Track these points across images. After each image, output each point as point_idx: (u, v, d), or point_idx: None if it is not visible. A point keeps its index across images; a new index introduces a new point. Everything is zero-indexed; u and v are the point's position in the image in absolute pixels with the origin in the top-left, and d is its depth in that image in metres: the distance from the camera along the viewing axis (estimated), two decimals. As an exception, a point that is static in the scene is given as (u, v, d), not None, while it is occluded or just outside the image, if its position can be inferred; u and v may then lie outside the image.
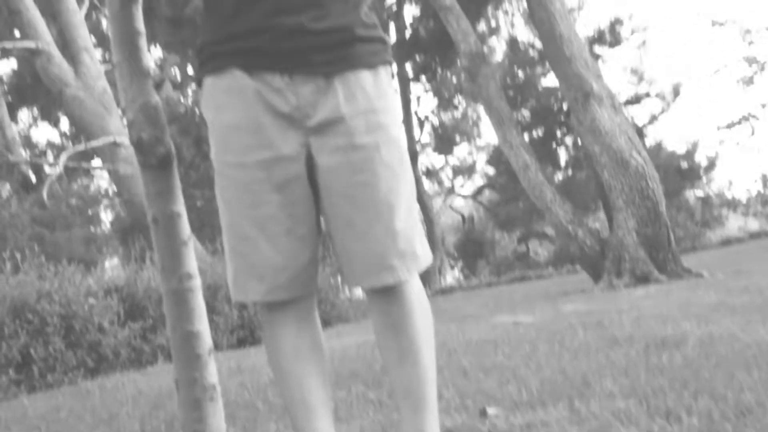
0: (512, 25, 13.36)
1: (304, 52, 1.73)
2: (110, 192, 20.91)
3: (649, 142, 16.64)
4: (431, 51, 12.66)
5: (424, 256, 1.80)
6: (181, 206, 1.77)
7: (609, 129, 8.73)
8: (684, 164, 20.79)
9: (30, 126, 15.02)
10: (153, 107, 1.71)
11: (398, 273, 1.74)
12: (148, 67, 1.71)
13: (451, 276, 27.15)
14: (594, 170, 9.47)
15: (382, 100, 1.79)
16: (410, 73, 21.52)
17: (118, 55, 1.71)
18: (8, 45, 10.82)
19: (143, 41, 1.73)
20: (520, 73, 12.72)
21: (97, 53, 13.00)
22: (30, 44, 10.58)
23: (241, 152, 1.73)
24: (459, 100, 17.90)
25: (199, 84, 1.85)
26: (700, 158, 22.88)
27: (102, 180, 20.79)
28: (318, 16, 1.74)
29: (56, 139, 15.19)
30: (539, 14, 7.98)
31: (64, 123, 14.27)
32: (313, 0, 1.75)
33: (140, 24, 1.71)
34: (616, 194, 8.90)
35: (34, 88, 12.86)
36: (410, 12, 13.21)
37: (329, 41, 1.75)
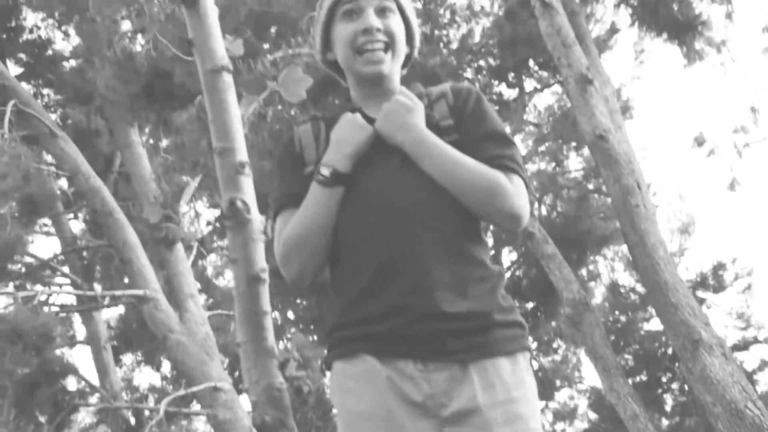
0: (612, 269, 13.27)
1: (440, 337, 1.69)
2: (207, 435, 20.80)
3: (761, 388, 15.95)
4: (534, 298, 12.59)
5: None
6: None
7: (721, 378, 8.38)
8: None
9: (133, 369, 15.21)
10: (277, 389, 1.67)
11: None
12: (273, 347, 1.70)
13: None
14: (707, 420, 9.03)
15: (520, 389, 1.72)
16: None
17: (242, 335, 1.70)
18: (118, 293, 11.20)
19: (269, 320, 1.73)
20: (622, 318, 12.49)
21: (201, 298, 13.36)
22: (139, 292, 10.92)
23: None
24: (559, 343, 17.57)
25: (329, 368, 1.82)
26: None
27: (199, 422, 20.71)
28: (452, 299, 1.71)
29: (157, 382, 15.30)
30: (643, 262, 7.91)
31: (166, 366, 14.42)
32: (448, 281, 1.72)
33: (266, 303, 1.71)
34: (732, 447, 8.41)
35: (139, 334, 13.14)
36: (507, 257, 13.36)
37: (466, 327, 1.70)
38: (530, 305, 13.09)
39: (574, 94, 7.89)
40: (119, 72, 8.38)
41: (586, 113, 7.82)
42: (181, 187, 9.23)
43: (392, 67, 2.10)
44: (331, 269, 1.93)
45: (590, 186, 11.81)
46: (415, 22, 2.20)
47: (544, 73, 13.10)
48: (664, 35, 8.20)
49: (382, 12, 2.09)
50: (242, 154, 1.79)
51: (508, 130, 2.10)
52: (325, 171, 1.92)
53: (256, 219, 1.77)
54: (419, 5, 12.95)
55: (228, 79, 1.85)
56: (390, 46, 2.09)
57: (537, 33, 8.40)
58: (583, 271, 12.72)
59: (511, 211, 1.85)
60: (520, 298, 13.08)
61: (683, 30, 8.06)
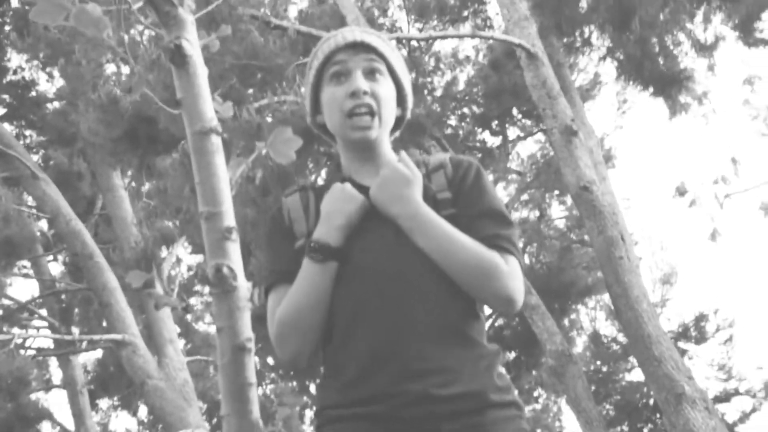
0: (594, 319, 13.25)
1: (435, 420, 1.65)
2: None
3: (742, 440, 15.96)
4: (516, 347, 12.55)
5: None
6: None
7: (704, 432, 8.33)
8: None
9: (109, 415, 15.03)
10: (261, 465, 1.62)
11: None
12: (257, 420, 1.65)
13: None
14: (689, 474, 8.95)
15: None
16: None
17: (226, 408, 1.65)
18: (96, 338, 11.08)
19: (254, 392, 1.67)
20: (604, 368, 12.45)
21: (181, 343, 13.23)
22: (117, 337, 10.80)
23: None
24: (540, 392, 17.52)
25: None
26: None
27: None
28: (446, 381, 1.67)
29: (134, 428, 15.10)
30: (626, 314, 7.89)
31: (143, 411, 14.24)
32: (442, 364, 1.69)
33: (252, 374, 1.66)
34: (715, 501, 8.34)
35: (116, 378, 12.97)
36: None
37: (461, 408, 1.67)
38: (512, 355, 13.03)
39: (558, 145, 7.91)
40: (103, 116, 8.34)
41: (571, 164, 7.84)
42: (163, 233, 9.15)
43: (380, 133, 2.04)
44: (322, 345, 1.89)
45: (573, 236, 11.83)
46: (407, 83, 2.14)
47: (528, 121, 13.18)
48: (650, 89, 8.26)
49: (371, 74, 2.04)
50: (230, 219, 1.74)
51: (504, 206, 2.04)
52: (315, 246, 1.88)
53: (243, 286, 1.72)
54: (404, 52, 13.04)
55: (216, 141, 1.81)
56: (377, 110, 2.02)
57: (522, 83, 8.44)
58: (566, 321, 12.69)
59: (506, 294, 1.81)
60: (502, 348, 13.04)
61: (668, 84, 8.13)
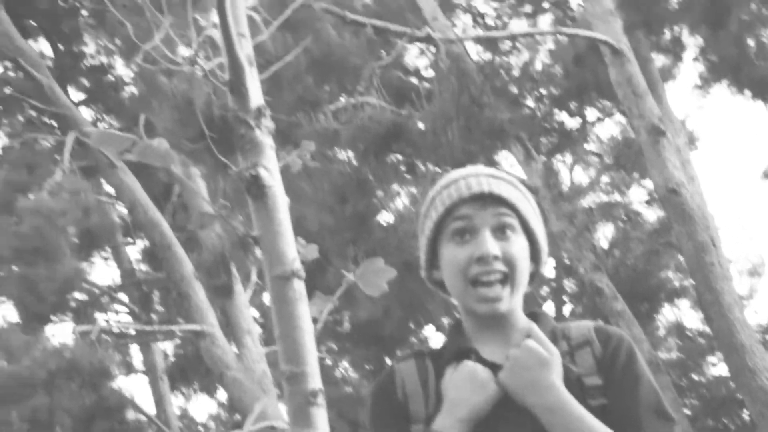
0: (679, 311, 12.86)
1: None
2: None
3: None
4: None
5: None
6: None
7: (799, 447, 8.02)
8: None
9: (189, 399, 15.21)
10: None
11: None
12: None
13: None
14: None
15: None
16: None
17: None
18: (175, 328, 11.15)
19: None
20: (689, 363, 12.13)
21: (259, 332, 13.27)
22: (196, 328, 10.85)
23: None
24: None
25: None
26: None
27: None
28: None
29: (214, 411, 15.28)
30: (718, 323, 7.61)
31: (222, 394, 14.37)
32: None
33: None
34: None
35: (195, 366, 13.07)
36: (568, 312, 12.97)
37: None
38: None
39: (645, 145, 7.60)
40: (177, 115, 8.28)
41: (658, 166, 7.52)
42: (241, 238, 9.09)
43: (512, 303, 1.73)
44: None
45: (659, 237, 11.45)
46: (542, 236, 1.82)
47: (608, 102, 12.81)
48: (746, 92, 7.84)
49: (501, 231, 1.73)
50: (315, 381, 1.58)
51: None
52: None
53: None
54: (480, 32, 12.74)
55: (299, 287, 1.63)
56: (509, 277, 1.71)
57: (606, 79, 8.12)
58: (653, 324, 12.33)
59: None
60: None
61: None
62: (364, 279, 1.80)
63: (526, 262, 1.76)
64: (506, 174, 1.84)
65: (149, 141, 1.58)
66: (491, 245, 1.70)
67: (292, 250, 1.67)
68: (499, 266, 1.70)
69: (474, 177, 1.77)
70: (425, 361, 1.77)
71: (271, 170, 1.70)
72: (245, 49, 1.72)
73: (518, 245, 1.74)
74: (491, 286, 1.69)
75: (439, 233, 1.77)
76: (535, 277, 1.82)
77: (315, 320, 1.73)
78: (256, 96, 1.70)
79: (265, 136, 1.71)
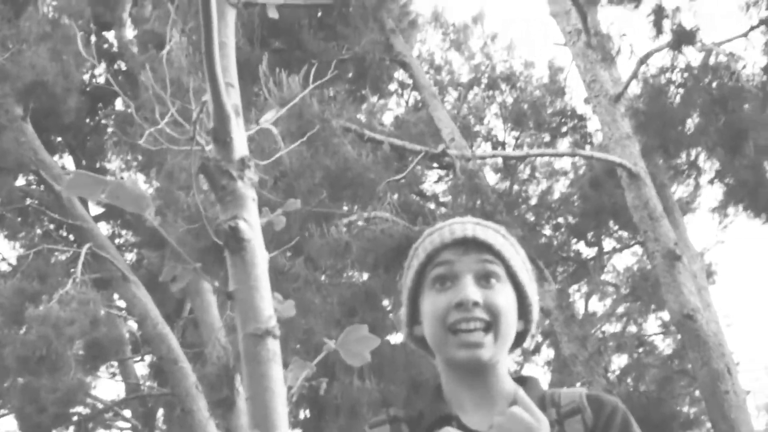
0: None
1: None
2: None
3: None
4: None
5: None
6: None
7: None
8: None
9: None
10: None
11: None
12: None
13: None
14: None
15: None
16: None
17: None
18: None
19: None
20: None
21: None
22: None
23: None
24: None
25: None
26: None
27: None
28: None
29: None
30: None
31: None
32: None
33: None
34: None
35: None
36: None
37: None
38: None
39: (661, 269, 7.49)
40: (190, 226, 8.28)
41: (674, 291, 7.41)
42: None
43: (495, 353, 1.57)
44: None
45: (674, 363, 11.21)
46: (531, 290, 1.67)
47: (625, 233, 12.76)
48: (763, 216, 7.78)
49: (485, 279, 1.60)
50: (284, 447, 1.45)
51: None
52: None
53: None
54: (500, 161, 12.82)
55: (273, 347, 1.51)
56: (492, 325, 1.56)
57: (622, 202, 8.08)
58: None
59: None
60: None
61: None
62: (346, 347, 1.67)
63: (512, 315, 1.61)
64: (495, 224, 1.71)
65: (121, 181, 1.49)
66: (471, 291, 1.57)
67: (269, 308, 1.56)
68: (481, 314, 1.56)
69: (459, 224, 1.67)
70: (401, 427, 1.65)
71: (251, 224, 1.60)
72: (232, 99, 1.65)
73: (503, 295, 1.60)
74: (472, 332, 1.56)
75: (420, 283, 1.65)
76: (525, 337, 1.67)
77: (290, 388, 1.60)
78: (240, 146, 1.62)
79: (247, 188, 1.62)
